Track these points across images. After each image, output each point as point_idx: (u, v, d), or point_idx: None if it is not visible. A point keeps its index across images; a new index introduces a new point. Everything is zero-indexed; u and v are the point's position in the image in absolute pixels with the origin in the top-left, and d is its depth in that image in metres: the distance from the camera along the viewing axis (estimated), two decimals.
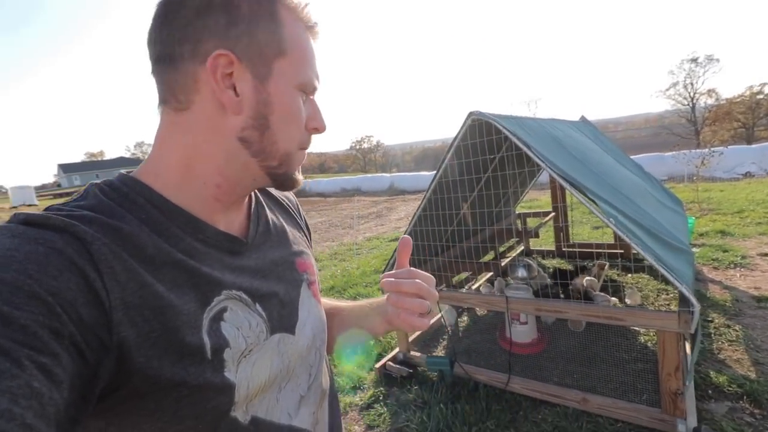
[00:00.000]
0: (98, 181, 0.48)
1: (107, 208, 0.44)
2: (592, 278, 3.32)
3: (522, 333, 2.74)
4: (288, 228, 0.67)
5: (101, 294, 0.38)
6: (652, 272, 3.98)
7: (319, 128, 0.55)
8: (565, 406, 2.18)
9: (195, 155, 0.49)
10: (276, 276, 0.58)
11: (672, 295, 3.43)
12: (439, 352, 3.09)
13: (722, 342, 2.66)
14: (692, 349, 1.94)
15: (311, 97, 0.55)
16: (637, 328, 2.85)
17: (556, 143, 2.52)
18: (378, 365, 2.85)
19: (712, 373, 2.33)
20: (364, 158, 51.67)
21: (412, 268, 0.58)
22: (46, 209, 0.42)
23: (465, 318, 3.53)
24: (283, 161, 0.52)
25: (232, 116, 0.48)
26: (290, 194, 0.75)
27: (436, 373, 2.63)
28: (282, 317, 0.56)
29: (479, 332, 3.21)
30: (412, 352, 2.90)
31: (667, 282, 3.63)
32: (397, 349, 2.97)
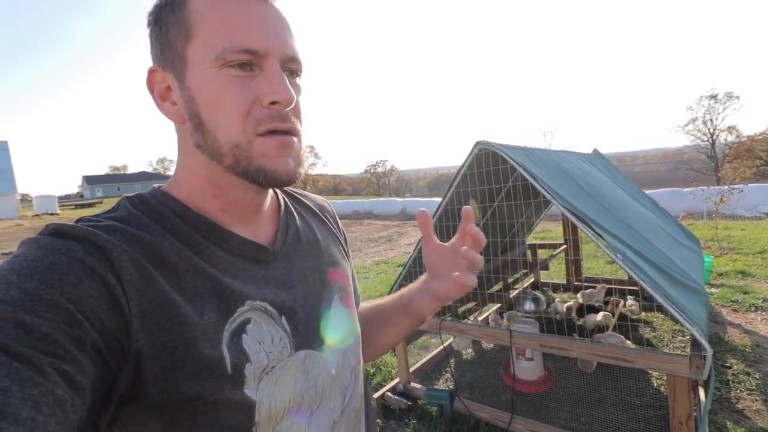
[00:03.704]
0: (130, 194, 0.49)
1: (134, 218, 0.45)
2: (608, 314, 3.21)
3: (527, 370, 2.64)
4: (321, 237, 0.64)
5: (121, 301, 0.38)
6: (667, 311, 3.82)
7: (279, 99, 0.45)
8: None
9: (186, 170, 0.51)
10: (304, 288, 0.55)
11: (688, 337, 3.28)
12: (441, 384, 2.99)
13: (741, 390, 2.51)
14: (706, 396, 1.83)
15: (264, 63, 0.45)
16: (650, 371, 2.71)
17: (565, 175, 2.50)
18: (377, 395, 2.76)
19: (729, 424, 2.18)
20: (378, 182, 52.00)
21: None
22: (77, 220, 0.43)
23: (470, 350, 3.42)
24: (236, 156, 0.46)
25: (183, 126, 0.48)
26: (326, 203, 0.72)
27: (435, 407, 2.53)
28: (309, 332, 0.53)
29: (484, 366, 3.10)
30: (413, 384, 2.81)
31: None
32: (397, 380, 2.88)
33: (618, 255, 1.75)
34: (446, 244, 0.63)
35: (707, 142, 32.29)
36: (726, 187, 8.04)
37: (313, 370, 0.52)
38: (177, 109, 0.47)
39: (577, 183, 2.49)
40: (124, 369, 0.38)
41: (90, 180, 66.55)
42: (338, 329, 0.58)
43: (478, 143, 2.17)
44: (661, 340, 3.29)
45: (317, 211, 0.68)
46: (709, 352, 1.60)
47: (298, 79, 0.50)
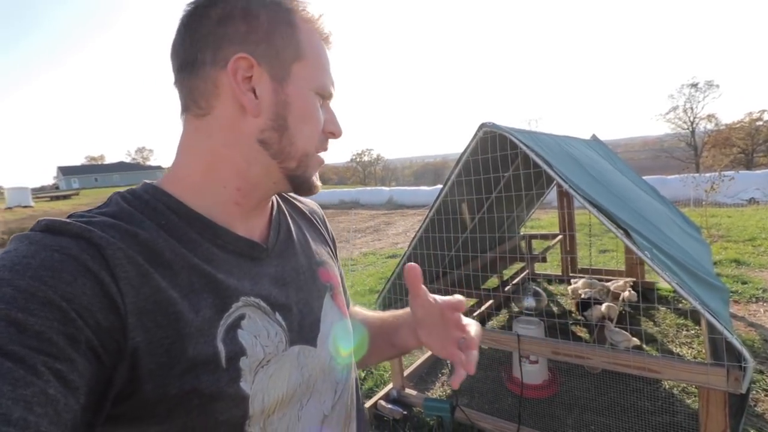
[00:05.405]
0: (122, 190, 0.49)
1: (127, 214, 0.45)
2: (612, 305, 3.03)
3: (531, 373, 2.44)
4: (311, 238, 0.65)
5: (116, 298, 0.38)
6: (668, 303, 3.70)
7: (335, 132, 0.55)
8: None
9: (216, 159, 0.50)
10: (297, 285, 0.56)
11: (693, 331, 3.14)
12: (437, 389, 2.78)
13: (757, 391, 2.37)
14: (739, 411, 1.65)
15: (328, 102, 0.54)
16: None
17: (573, 162, 2.27)
18: (368, 404, 2.53)
19: None
20: (364, 171, 51.53)
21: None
22: (69, 216, 0.43)
23: None
24: (301, 162, 0.52)
25: (251, 119, 0.49)
26: (316, 206, 0.74)
27: (433, 418, 2.31)
28: (302, 328, 0.54)
29: (482, 368, 2.90)
30: (407, 390, 2.59)
31: (686, 316, 3.35)
32: (390, 385, 2.66)
33: (646, 253, 1.53)
34: (435, 302, 0.59)
35: (687, 131, 32.80)
36: (716, 173, 8.02)
37: (307, 364, 0.53)
38: (257, 103, 0.48)
39: (586, 170, 2.27)
40: (120, 367, 0.38)
41: (66, 171, 63.79)
42: (330, 325, 0.59)
43: (483, 125, 1.91)
44: (666, 335, 3.15)
45: (307, 213, 0.70)
46: (750, 362, 1.41)
47: None
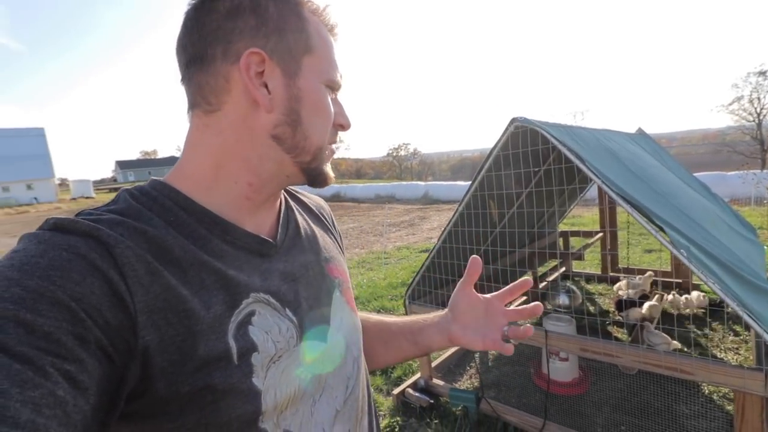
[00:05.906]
0: (130, 187, 0.48)
1: (135, 211, 0.44)
2: (654, 304, 2.91)
3: (561, 371, 2.42)
4: (319, 234, 0.65)
5: (125, 297, 0.38)
6: (717, 307, 3.49)
7: (345, 125, 0.56)
8: None
9: (226, 155, 0.49)
10: (306, 280, 0.56)
11: (741, 337, 2.96)
12: (465, 381, 2.82)
13: None
14: None
15: (336, 95, 0.55)
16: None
17: (611, 156, 2.21)
18: (396, 391, 2.62)
19: None
20: (400, 165, 51.48)
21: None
22: (77, 214, 0.43)
23: None
24: (315, 156, 0.52)
25: (264, 114, 0.48)
26: (323, 203, 0.74)
27: (459, 408, 2.36)
28: (312, 324, 0.54)
29: (511, 363, 2.90)
30: (435, 380, 2.64)
31: (734, 322, 3.16)
32: (418, 375, 2.72)
33: (682, 251, 1.49)
34: (482, 297, 0.65)
35: (753, 123, 30.04)
36: None
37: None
38: (270, 98, 0.48)
39: (625, 165, 2.20)
40: (132, 366, 0.37)
41: (123, 165, 68.55)
42: (340, 321, 0.59)
43: (514, 120, 1.91)
44: (711, 339, 2.99)
45: (314, 209, 0.70)
46: None
47: None
